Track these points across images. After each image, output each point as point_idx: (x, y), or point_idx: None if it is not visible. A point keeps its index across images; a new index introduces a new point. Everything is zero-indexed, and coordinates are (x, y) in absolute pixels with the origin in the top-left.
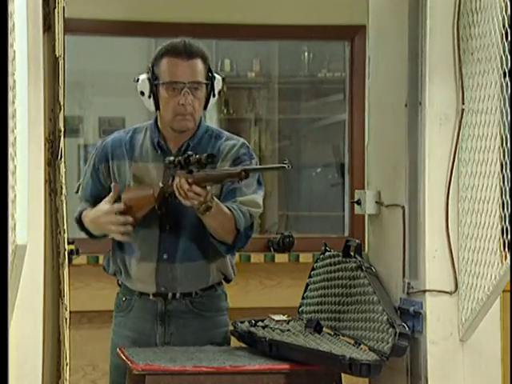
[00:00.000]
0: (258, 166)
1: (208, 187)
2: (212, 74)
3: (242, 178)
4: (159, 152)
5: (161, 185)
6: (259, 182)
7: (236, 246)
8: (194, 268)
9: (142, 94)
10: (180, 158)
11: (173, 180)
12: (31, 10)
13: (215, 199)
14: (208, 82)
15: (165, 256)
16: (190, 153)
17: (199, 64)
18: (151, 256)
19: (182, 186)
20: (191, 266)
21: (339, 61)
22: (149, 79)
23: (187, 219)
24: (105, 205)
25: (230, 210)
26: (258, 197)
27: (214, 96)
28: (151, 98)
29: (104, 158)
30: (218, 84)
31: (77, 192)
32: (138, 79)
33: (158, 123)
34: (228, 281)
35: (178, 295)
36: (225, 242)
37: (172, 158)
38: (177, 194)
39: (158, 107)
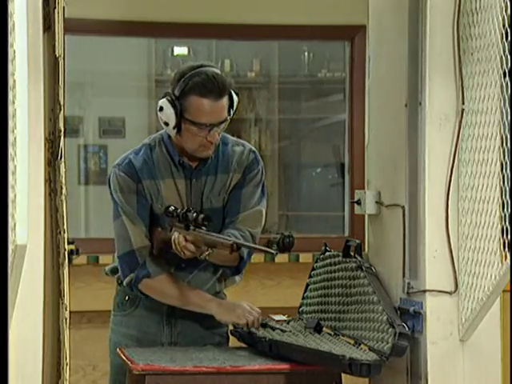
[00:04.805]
0: (249, 244)
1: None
2: (233, 99)
3: (233, 249)
4: (180, 169)
5: (159, 229)
6: (263, 192)
7: (240, 271)
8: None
9: (166, 124)
10: (179, 211)
11: (171, 230)
12: (31, 9)
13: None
14: (233, 115)
15: None
16: (190, 208)
17: (226, 100)
18: None
19: (180, 241)
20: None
21: (339, 61)
22: (176, 113)
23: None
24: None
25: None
26: (261, 208)
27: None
28: (175, 129)
29: (136, 178)
30: (236, 104)
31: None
32: (162, 108)
33: (173, 140)
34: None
35: None
36: (230, 266)
37: (172, 209)
38: (173, 246)
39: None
